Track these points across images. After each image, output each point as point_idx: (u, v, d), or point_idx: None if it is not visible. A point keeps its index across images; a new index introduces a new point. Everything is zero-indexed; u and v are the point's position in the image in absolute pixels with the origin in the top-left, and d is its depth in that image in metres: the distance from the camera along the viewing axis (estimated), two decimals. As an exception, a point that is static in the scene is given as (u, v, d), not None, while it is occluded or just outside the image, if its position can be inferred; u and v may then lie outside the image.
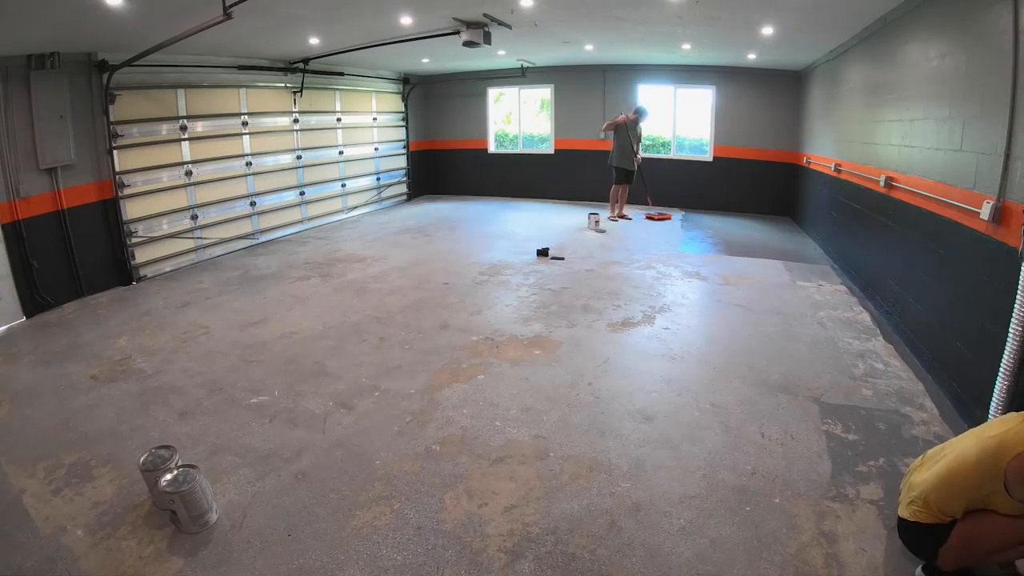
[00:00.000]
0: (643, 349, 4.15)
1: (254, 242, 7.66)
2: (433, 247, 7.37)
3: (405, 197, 11.24)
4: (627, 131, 8.57)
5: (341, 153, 9.31)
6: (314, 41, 6.58)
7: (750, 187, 9.69)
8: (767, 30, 5.83)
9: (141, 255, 6.16)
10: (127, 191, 5.95)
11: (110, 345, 4.33)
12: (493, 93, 11.21)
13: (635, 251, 6.97)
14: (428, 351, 4.10)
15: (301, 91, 8.16)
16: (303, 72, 7.99)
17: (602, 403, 3.35)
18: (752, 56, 7.99)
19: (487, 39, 5.96)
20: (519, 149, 11.40)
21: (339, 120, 9.20)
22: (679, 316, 4.78)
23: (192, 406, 3.38)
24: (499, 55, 8.42)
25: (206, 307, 5.18)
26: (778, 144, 9.28)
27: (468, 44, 6.01)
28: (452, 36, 6.01)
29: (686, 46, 7.36)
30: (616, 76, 9.93)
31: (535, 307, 4.99)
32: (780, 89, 9.03)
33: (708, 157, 9.93)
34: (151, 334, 4.54)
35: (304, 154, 8.47)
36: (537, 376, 3.70)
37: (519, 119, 11.44)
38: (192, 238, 6.78)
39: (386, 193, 10.63)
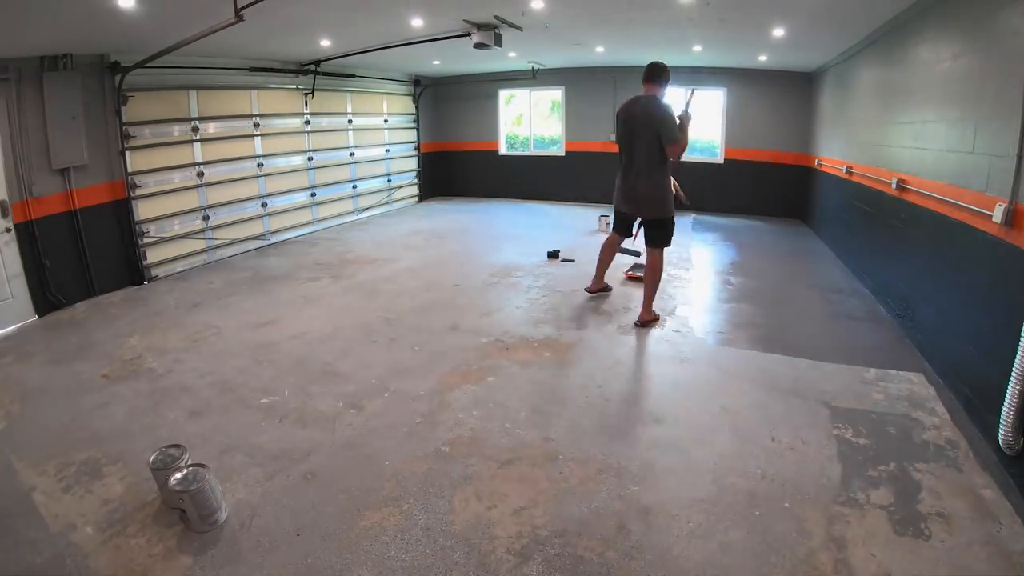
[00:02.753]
0: (653, 351, 4.13)
1: (265, 243, 7.70)
2: (444, 248, 7.38)
3: (416, 198, 11.28)
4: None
5: (352, 155, 9.35)
6: (325, 43, 6.61)
7: (761, 189, 9.63)
8: (778, 31, 5.80)
9: (153, 255, 6.21)
10: (139, 192, 6.00)
11: (121, 344, 4.37)
12: (504, 95, 11.21)
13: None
14: (438, 352, 4.10)
15: (312, 93, 8.19)
16: (314, 74, 8.02)
17: (612, 405, 3.34)
18: (763, 58, 7.95)
19: (498, 41, 5.97)
20: (530, 151, 11.39)
21: (350, 122, 9.24)
22: (689, 318, 4.75)
23: (202, 406, 3.40)
24: (510, 57, 8.42)
25: (217, 307, 5.21)
26: (789, 146, 9.22)
27: (479, 46, 6.02)
28: (463, 38, 6.02)
29: (697, 48, 7.33)
30: (626, 78, 9.87)
31: (545, 309, 4.98)
32: (791, 91, 8.98)
33: (719, 159, 9.89)
34: (162, 334, 4.57)
35: (315, 156, 8.51)
36: (547, 378, 3.69)
37: (530, 121, 11.43)
38: (204, 239, 6.83)
39: (397, 195, 10.66)
